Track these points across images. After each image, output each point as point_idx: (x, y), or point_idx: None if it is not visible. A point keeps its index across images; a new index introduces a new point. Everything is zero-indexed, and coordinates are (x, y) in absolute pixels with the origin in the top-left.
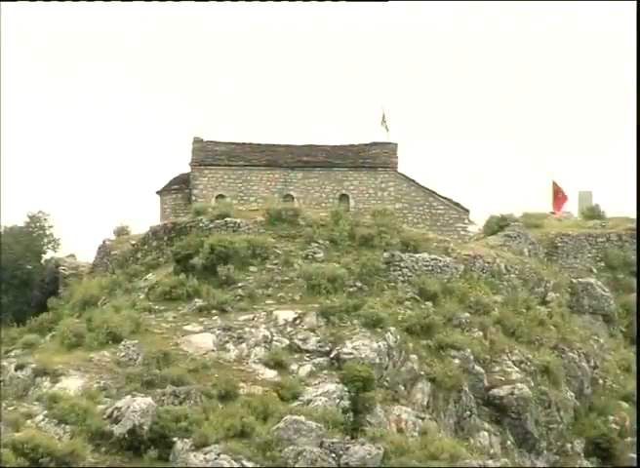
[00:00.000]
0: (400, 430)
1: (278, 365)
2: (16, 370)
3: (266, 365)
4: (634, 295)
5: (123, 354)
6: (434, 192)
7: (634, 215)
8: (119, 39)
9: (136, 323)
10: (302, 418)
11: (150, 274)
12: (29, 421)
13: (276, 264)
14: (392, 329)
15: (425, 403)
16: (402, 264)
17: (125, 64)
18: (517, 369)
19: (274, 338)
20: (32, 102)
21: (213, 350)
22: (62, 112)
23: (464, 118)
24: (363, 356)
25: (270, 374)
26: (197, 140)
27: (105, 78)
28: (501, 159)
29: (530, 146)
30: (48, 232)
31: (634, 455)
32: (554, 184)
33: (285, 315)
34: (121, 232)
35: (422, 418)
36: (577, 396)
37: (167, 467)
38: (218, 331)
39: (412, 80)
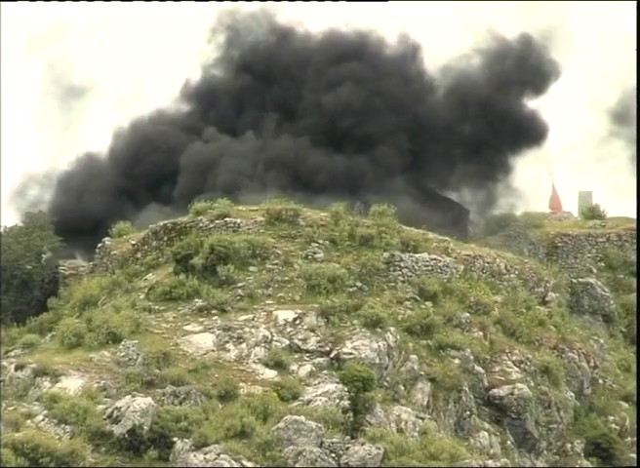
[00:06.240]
0: (400, 430)
1: (278, 365)
2: (16, 370)
3: (266, 365)
4: (634, 295)
5: (123, 354)
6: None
7: (634, 215)
8: (118, 37)
9: (136, 323)
10: (302, 418)
11: (150, 274)
12: (29, 421)
13: (276, 264)
14: (392, 329)
15: (425, 403)
16: (402, 264)
17: (124, 63)
18: (517, 369)
19: (274, 338)
20: (32, 101)
21: (213, 350)
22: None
23: None
24: (363, 356)
25: (270, 374)
26: None
27: (107, 78)
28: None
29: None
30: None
31: (634, 455)
32: (553, 186)
33: (285, 315)
34: (121, 232)
35: (422, 418)
36: (577, 396)
37: (167, 467)
38: (217, 331)
39: None
